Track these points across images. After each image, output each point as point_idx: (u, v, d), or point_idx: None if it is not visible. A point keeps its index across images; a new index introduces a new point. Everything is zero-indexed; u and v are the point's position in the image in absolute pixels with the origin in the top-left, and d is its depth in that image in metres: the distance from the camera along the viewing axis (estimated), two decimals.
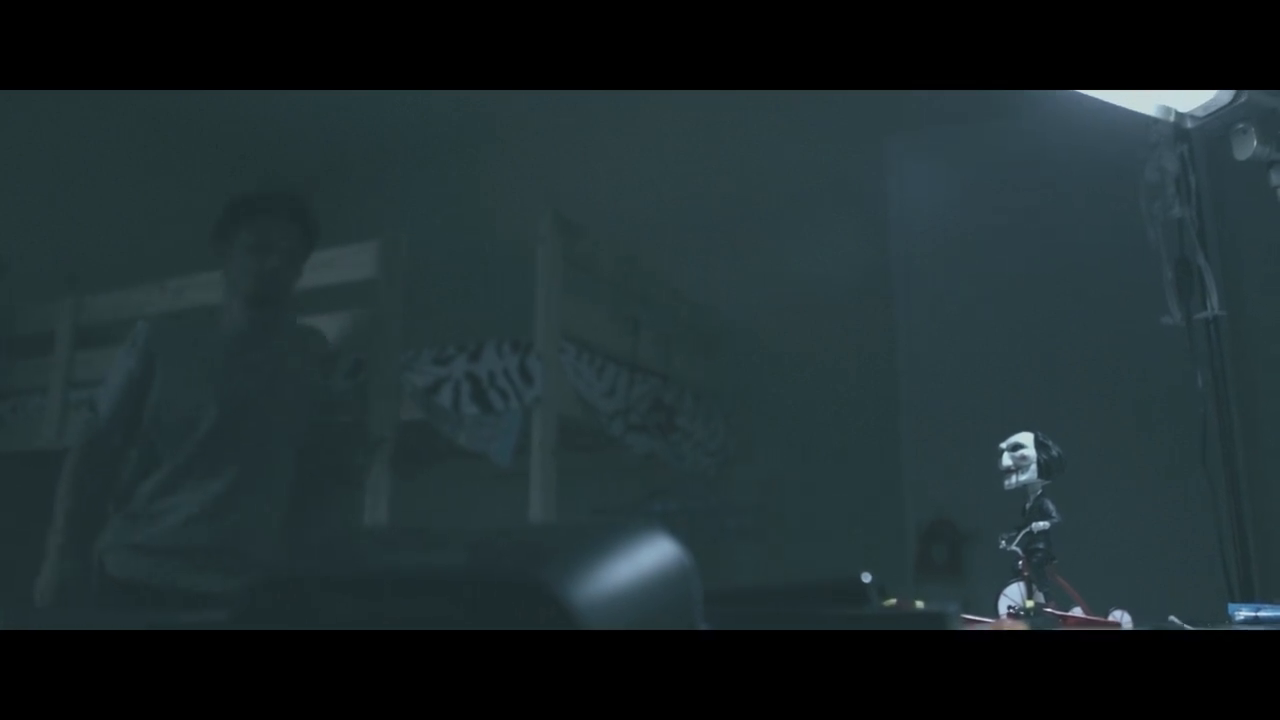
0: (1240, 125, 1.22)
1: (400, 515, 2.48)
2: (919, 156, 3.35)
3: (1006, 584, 1.10)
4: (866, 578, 0.49)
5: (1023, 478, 1.13)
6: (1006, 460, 1.14)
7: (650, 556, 0.40)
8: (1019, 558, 1.10)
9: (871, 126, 3.38)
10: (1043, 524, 1.11)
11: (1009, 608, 1.08)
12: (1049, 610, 1.06)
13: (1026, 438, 1.15)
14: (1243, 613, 1.14)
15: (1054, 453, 1.13)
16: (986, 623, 1.00)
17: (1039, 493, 1.13)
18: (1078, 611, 1.06)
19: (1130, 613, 1.07)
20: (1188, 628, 1.06)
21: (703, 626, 0.43)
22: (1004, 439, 1.16)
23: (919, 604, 0.89)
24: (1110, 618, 1.06)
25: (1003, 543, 1.12)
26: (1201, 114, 1.27)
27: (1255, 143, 1.21)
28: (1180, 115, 1.27)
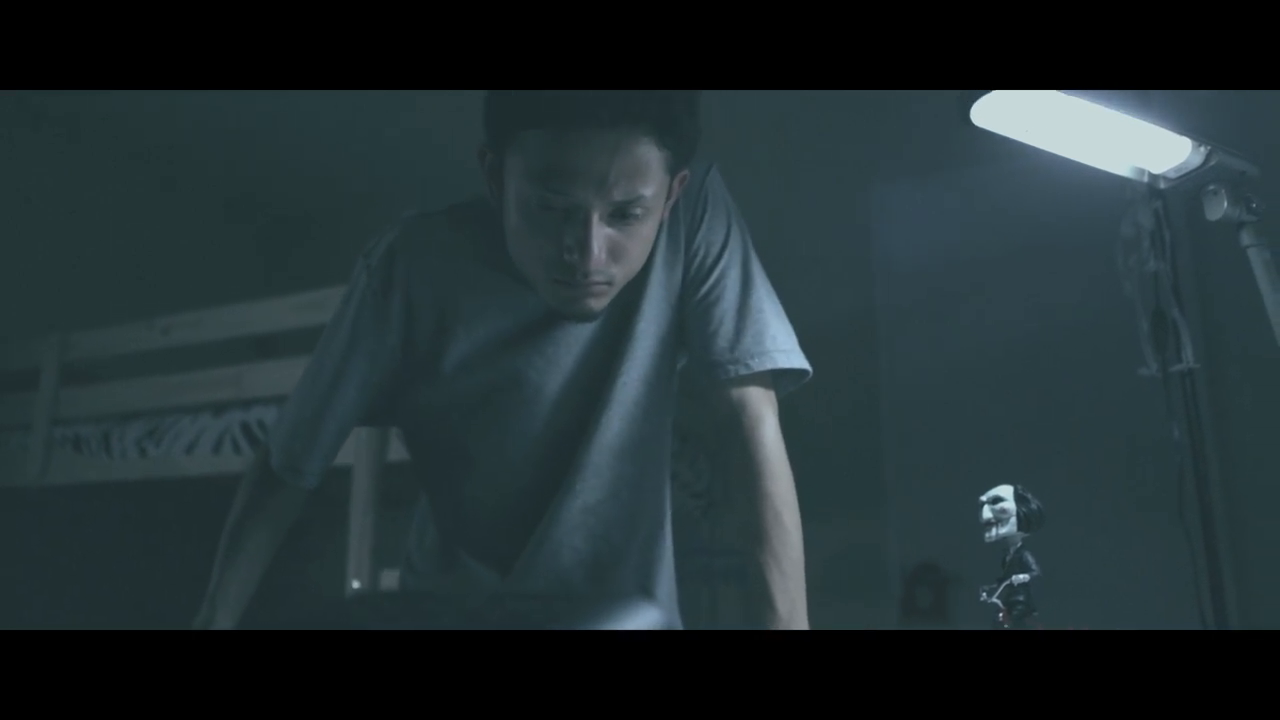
0: (1211, 187, 1.26)
1: (384, 556, 2.47)
2: (901, 205, 3.40)
3: None
4: None
5: (1003, 530, 1.14)
6: (986, 513, 1.16)
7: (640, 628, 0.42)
8: (1000, 610, 1.11)
9: (854, 174, 3.43)
10: (1023, 576, 1.12)
11: None
12: None
13: (1006, 490, 1.16)
14: None
15: (1033, 506, 1.15)
16: None
17: (1019, 545, 1.14)
18: None
19: None
20: None
21: None
22: (985, 482, 1.17)
23: None
24: None
25: (983, 595, 1.13)
26: (1174, 175, 1.30)
27: (1225, 204, 1.25)
28: (1153, 176, 1.30)
